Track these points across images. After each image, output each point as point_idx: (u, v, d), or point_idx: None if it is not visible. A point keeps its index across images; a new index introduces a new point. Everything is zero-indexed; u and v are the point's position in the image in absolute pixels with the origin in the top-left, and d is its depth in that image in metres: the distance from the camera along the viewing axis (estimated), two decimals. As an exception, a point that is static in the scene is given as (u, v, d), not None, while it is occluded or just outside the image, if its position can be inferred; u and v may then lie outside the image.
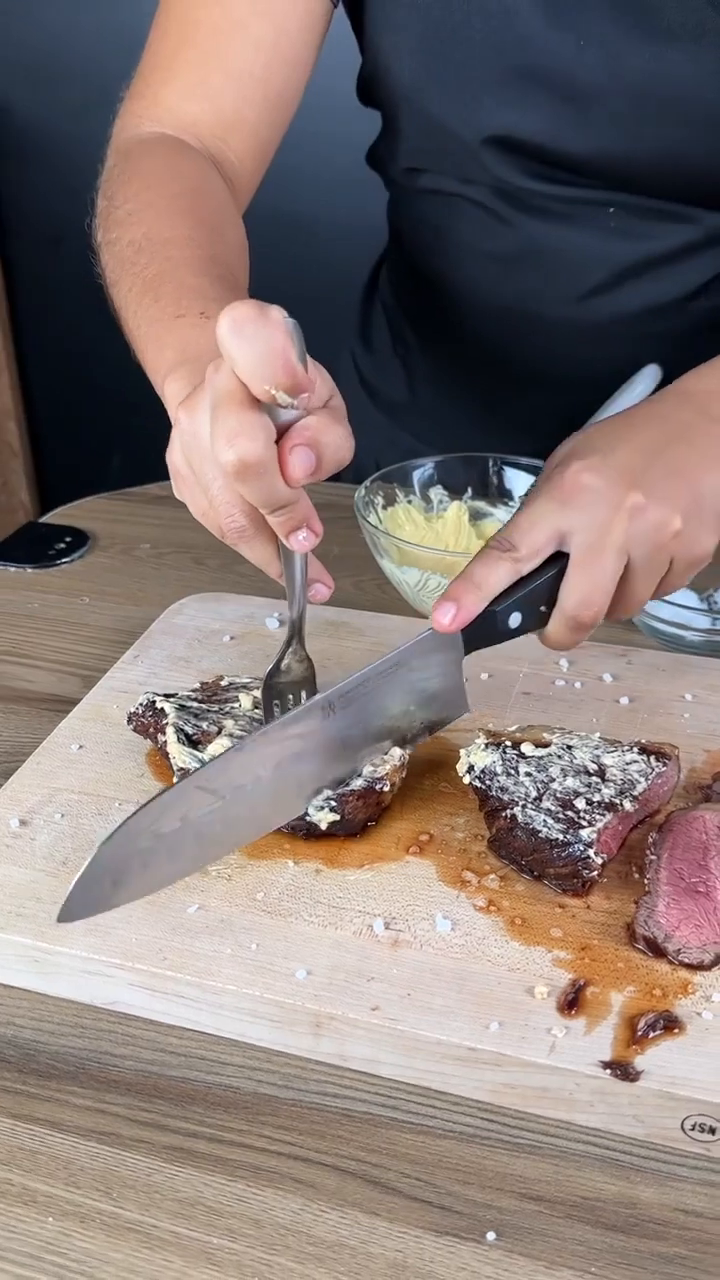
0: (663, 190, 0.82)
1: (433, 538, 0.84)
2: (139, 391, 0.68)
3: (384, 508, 0.86)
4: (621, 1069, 0.45)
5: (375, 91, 0.86)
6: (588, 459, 0.57)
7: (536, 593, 0.58)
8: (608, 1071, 0.45)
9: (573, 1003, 0.48)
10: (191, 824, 0.51)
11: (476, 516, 0.89)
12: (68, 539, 0.95)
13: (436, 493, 0.89)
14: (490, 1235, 0.43)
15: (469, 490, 0.90)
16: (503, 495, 0.90)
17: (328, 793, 0.56)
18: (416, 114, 0.84)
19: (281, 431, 0.50)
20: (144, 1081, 0.49)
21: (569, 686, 0.70)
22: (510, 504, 0.89)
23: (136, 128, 0.81)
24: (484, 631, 0.58)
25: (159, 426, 0.59)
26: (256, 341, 0.46)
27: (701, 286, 0.88)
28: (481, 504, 0.90)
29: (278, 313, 0.47)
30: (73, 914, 0.48)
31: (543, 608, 0.59)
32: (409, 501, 0.88)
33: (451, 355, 1.00)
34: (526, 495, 0.60)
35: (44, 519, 1.01)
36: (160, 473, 0.61)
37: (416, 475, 0.88)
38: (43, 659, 0.79)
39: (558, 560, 0.58)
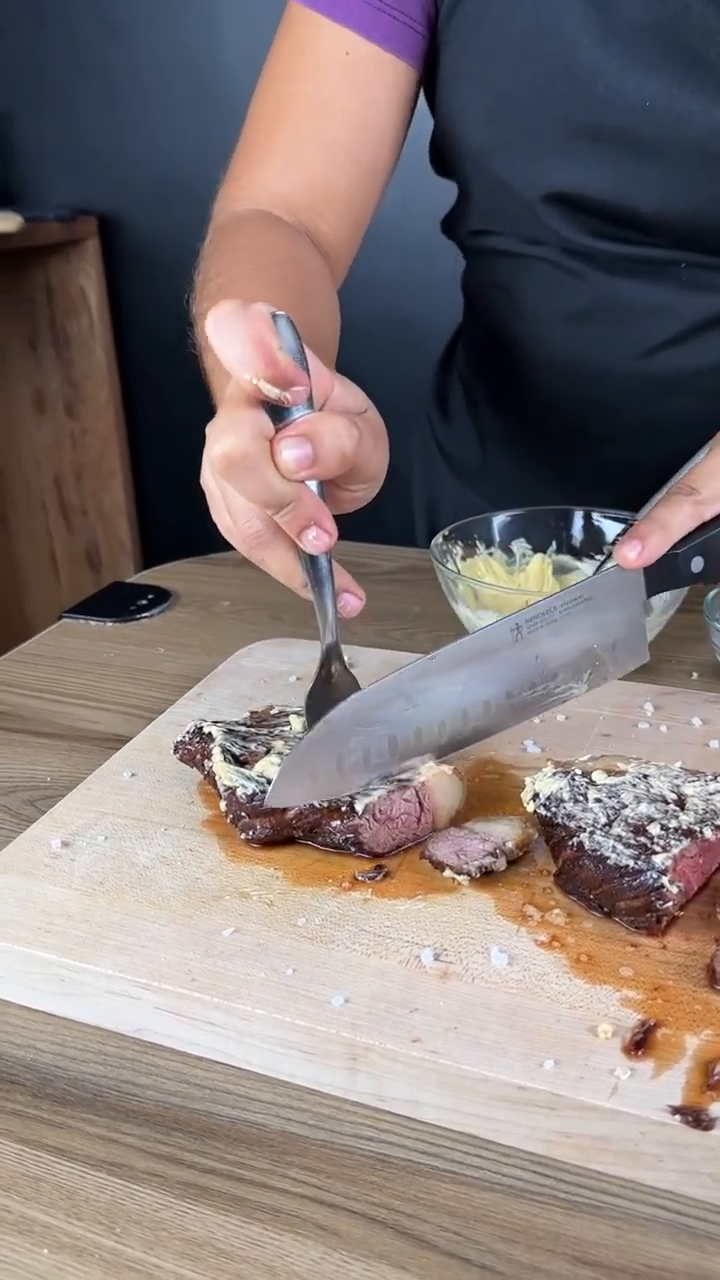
0: None
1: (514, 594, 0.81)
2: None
3: (463, 559, 0.83)
4: (694, 1115, 0.39)
5: (445, 155, 0.87)
6: None
7: (718, 540, 0.60)
8: (677, 1118, 0.39)
9: (640, 1043, 0.42)
10: (387, 724, 0.54)
11: (561, 571, 0.86)
12: (150, 596, 0.95)
13: (519, 545, 0.87)
14: (536, 1301, 0.37)
15: (553, 544, 0.87)
16: (588, 548, 0.86)
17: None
18: (483, 176, 0.84)
19: None
20: (164, 1113, 0.45)
21: (654, 729, 0.66)
22: (596, 557, 0.86)
23: (233, 206, 0.83)
24: (666, 574, 0.60)
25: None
26: (237, 332, 0.46)
27: None
28: (566, 558, 0.87)
29: (261, 305, 0.47)
30: (276, 799, 0.52)
31: None
32: (490, 554, 0.85)
33: (522, 414, 0.99)
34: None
35: (129, 579, 1.01)
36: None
37: (498, 525, 0.86)
38: (111, 702, 0.78)
39: None
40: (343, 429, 0.48)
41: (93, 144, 2.05)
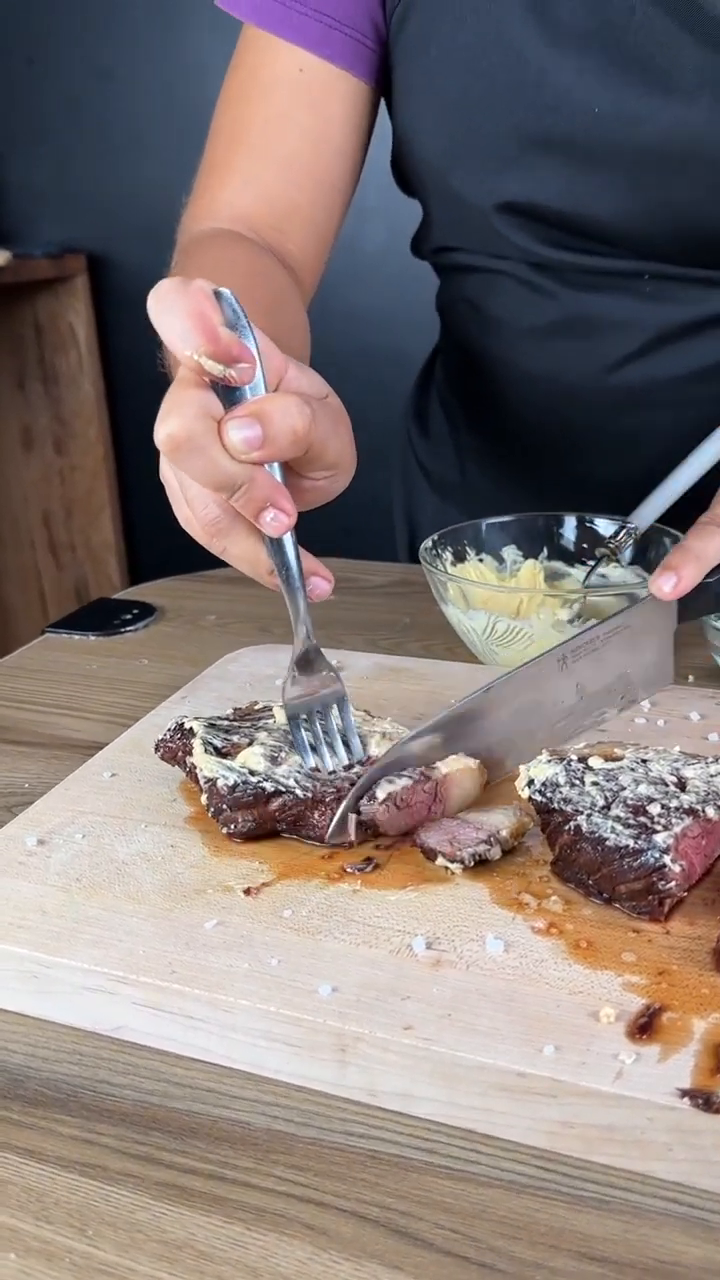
0: (691, 256, 0.80)
1: (505, 594, 0.80)
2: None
3: (453, 564, 0.82)
4: (704, 1098, 0.37)
5: (404, 171, 0.87)
6: None
7: None
8: (686, 1101, 0.37)
9: (645, 1027, 0.40)
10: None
11: (553, 577, 0.84)
12: (134, 611, 0.93)
13: (510, 552, 0.85)
14: (540, 1298, 0.34)
15: (544, 551, 0.85)
16: (580, 554, 0.85)
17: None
18: (440, 190, 0.84)
19: None
20: (141, 1113, 0.42)
21: (650, 724, 0.64)
22: (588, 563, 0.84)
23: (196, 225, 0.83)
24: (699, 601, 0.62)
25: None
26: (176, 309, 0.45)
27: None
28: (558, 564, 0.85)
29: (201, 281, 0.46)
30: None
31: None
32: (480, 560, 0.84)
33: (498, 429, 0.99)
34: None
35: (114, 596, 1.00)
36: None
37: (487, 532, 0.85)
38: (94, 711, 0.76)
39: None
40: (293, 408, 0.47)
41: (82, 183, 2.07)
